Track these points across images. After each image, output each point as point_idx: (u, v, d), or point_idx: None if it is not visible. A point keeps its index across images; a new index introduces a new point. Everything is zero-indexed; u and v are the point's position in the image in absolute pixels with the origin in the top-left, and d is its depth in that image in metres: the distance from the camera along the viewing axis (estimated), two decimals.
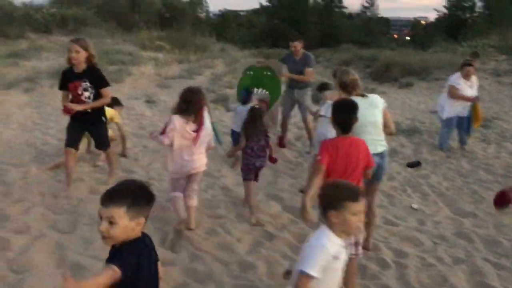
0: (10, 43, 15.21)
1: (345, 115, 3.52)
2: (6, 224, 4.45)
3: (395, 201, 5.87)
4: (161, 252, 4.05)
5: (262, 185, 6.11)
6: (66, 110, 5.11)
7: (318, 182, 3.33)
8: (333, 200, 2.51)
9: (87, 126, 5.44)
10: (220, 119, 9.78)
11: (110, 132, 6.26)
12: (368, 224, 4.19)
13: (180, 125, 4.30)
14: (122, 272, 2.12)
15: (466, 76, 7.58)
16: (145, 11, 20.34)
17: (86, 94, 5.18)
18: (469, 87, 7.63)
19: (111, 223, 2.21)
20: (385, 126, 4.21)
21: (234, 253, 4.25)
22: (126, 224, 2.22)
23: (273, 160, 5.29)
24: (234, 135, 6.72)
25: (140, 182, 2.39)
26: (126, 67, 13.46)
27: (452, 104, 7.64)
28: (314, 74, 7.95)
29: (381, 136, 4.17)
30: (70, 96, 5.21)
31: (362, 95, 4.13)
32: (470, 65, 7.68)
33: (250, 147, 5.07)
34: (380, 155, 4.13)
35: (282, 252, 4.32)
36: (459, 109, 7.67)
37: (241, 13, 63.24)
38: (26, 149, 7.08)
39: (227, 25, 47.79)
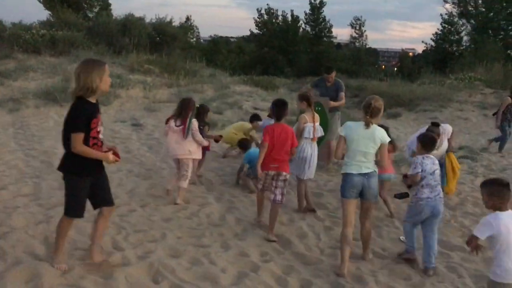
0: None
1: (279, 110, 5.41)
2: None
3: (383, 232, 5.79)
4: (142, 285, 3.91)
5: (249, 213, 6.01)
6: (115, 159, 4.09)
7: (263, 153, 5.24)
8: None
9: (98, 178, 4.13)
10: None
11: None
12: (363, 239, 4.90)
13: (172, 123, 6.24)
14: None
15: None
16: (136, 35, 20.35)
17: (102, 130, 4.08)
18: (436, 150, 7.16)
19: None
20: (380, 158, 4.68)
21: (218, 285, 4.11)
22: None
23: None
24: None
25: None
26: (114, 89, 13.37)
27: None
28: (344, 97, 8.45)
29: (369, 161, 4.61)
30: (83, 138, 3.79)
31: (369, 125, 4.56)
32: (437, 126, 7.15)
33: None
34: (365, 175, 4.59)
35: (267, 285, 4.20)
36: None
37: (232, 40, 64.01)
38: (7, 170, 6.90)
39: (217, 51, 48.20)
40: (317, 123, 6.24)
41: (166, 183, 6.53)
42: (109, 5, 38.56)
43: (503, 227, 3.45)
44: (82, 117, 3.76)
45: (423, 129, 7.26)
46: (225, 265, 4.47)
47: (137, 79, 14.94)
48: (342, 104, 8.35)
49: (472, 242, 3.56)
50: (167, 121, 6.33)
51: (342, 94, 8.21)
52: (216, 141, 7.76)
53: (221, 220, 5.74)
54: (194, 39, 55.36)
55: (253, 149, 7.51)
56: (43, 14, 39.19)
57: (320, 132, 6.32)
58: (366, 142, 4.56)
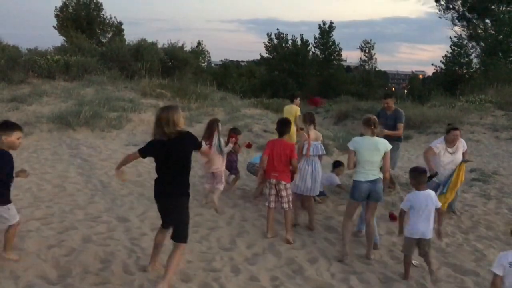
0: (13, 87, 15.40)
1: (281, 127, 6.12)
2: None
3: (395, 256, 5.73)
4: None
5: (259, 237, 6.00)
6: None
7: (263, 163, 6.01)
8: None
9: None
10: None
11: None
12: (368, 236, 5.62)
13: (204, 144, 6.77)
14: None
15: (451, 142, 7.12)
16: (148, 60, 20.65)
17: None
18: (450, 154, 7.10)
19: None
20: (384, 163, 5.49)
21: None
22: None
23: None
24: None
25: None
26: (126, 113, 13.54)
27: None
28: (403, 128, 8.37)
29: (375, 169, 5.45)
30: None
31: (372, 135, 5.46)
32: (456, 129, 7.16)
33: None
34: (372, 182, 5.43)
35: None
36: (438, 175, 6.92)
37: (242, 63, 64.65)
38: (21, 194, 6.98)
39: (228, 75, 48.63)
40: (316, 142, 6.58)
41: (203, 199, 7.37)
42: (122, 30, 39.39)
43: (418, 201, 5.02)
44: None
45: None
46: None
47: (149, 103, 15.12)
48: (398, 134, 8.08)
49: (400, 215, 5.16)
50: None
51: (400, 125, 8.09)
52: (248, 146, 8.67)
53: (232, 244, 5.73)
54: (205, 63, 56.00)
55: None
56: (58, 40, 40.05)
57: (320, 150, 6.59)
58: (372, 152, 5.40)
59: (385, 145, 5.45)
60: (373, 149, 5.41)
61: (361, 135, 5.69)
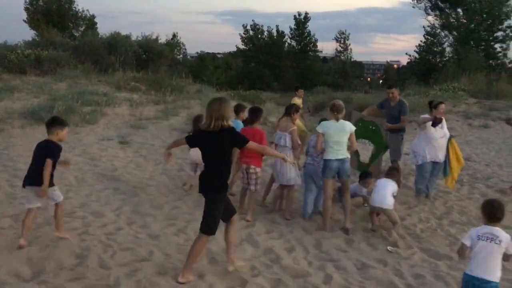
0: None
1: (252, 115, 6.56)
2: None
3: (370, 243, 5.81)
4: None
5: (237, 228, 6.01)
6: None
7: (236, 152, 6.08)
8: None
9: None
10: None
11: None
12: (344, 208, 6.24)
13: None
14: None
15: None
16: (122, 53, 20.33)
17: None
18: (441, 128, 7.50)
19: None
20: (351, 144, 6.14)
21: None
22: None
23: None
24: None
25: None
26: (101, 108, 13.34)
27: (425, 148, 7.44)
28: (408, 120, 8.46)
29: (343, 149, 6.07)
30: None
31: (337, 120, 6.08)
32: (442, 102, 7.62)
33: None
34: (340, 160, 6.07)
35: None
36: (433, 154, 7.44)
37: (218, 55, 64.28)
38: None
39: (204, 67, 48.34)
40: (283, 132, 6.58)
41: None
42: (95, 24, 38.67)
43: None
44: None
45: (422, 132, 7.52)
46: (214, 281, 4.45)
47: (123, 96, 14.91)
48: (400, 127, 8.13)
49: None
50: None
51: (404, 118, 8.08)
52: None
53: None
54: (181, 55, 55.54)
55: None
56: (28, 34, 39.09)
57: (282, 141, 6.57)
58: (339, 134, 6.04)
59: (350, 127, 6.12)
60: (340, 130, 6.05)
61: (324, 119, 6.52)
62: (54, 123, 5.13)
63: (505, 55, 41.05)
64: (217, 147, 4.30)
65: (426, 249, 5.71)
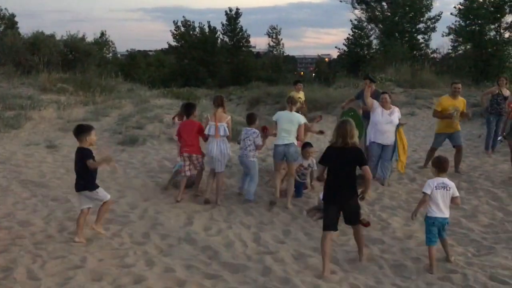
0: None
1: (185, 110, 7.37)
2: None
3: (307, 233, 5.92)
4: None
5: (174, 228, 5.92)
6: None
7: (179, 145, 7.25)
8: None
9: None
10: (129, 161, 9.44)
11: None
12: (288, 192, 7.01)
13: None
14: None
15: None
16: (46, 53, 19.39)
17: None
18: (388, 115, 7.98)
19: None
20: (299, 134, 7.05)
21: None
22: None
23: None
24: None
25: None
26: (25, 111, 12.65)
27: (371, 131, 7.95)
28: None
29: (290, 136, 6.95)
30: None
31: (291, 111, 7.07)
32: (385, 92, 8.20)
33: None
34: (286, 145, 6.92)
35: None
36: (378, 137, 7.88)
37: (150, 53, 62.93)
38: None
39: (135, 65, 47.21)
40: (221, 123, 7.05)
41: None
42: (16, 23, 36.70)
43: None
44: None
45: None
46: (151, 283, 4.36)
47: (50, 99, 14.21)
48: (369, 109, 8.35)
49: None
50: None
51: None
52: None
53: (145, 238, 5.60)
54: (111, 54, 53.84)
55: None
56: None
57: (222, 131, 7.03)
58: (288, 123, 6.96)
59: (298, 119, 7.04)
60: (288, 121, 6.98)
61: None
62: (81, 131, 5.41)
63: (427, 46, 43.40)
64: (347, 163, 4.89)
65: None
